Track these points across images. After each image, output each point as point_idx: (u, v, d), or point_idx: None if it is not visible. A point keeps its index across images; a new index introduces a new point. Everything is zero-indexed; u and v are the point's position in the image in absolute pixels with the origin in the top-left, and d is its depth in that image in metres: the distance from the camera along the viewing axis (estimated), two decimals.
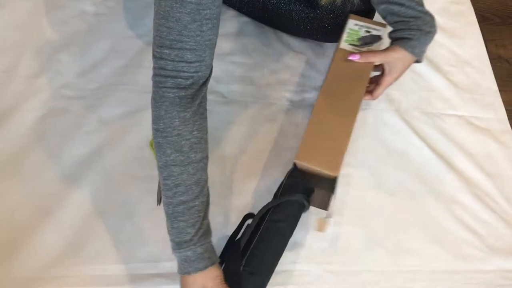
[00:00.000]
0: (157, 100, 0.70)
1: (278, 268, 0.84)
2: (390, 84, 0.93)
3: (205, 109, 0.75)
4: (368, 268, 0.89)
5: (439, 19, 1.22)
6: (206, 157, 0.74)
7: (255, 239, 0.77)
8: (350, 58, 0.89)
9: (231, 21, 1.16)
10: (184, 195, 0.70)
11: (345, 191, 0.97)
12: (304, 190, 0.81)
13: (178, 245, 0.71)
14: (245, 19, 1.16)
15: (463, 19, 1.25)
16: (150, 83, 0.99)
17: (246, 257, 0.76)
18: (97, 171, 0.93)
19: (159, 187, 0.88)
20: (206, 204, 0.74)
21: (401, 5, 0.87)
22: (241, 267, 0.75)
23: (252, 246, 0.77)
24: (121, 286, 0.82)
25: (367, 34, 0.93)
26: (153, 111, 0.71)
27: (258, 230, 0.78)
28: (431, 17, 0.88)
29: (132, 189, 0.91)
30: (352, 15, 0.97)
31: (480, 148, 1.06)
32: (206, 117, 0.75)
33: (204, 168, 0.74)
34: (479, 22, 1.25)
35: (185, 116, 0.70)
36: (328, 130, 0.82)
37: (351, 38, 0.92)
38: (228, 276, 0.74)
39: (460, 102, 1.11)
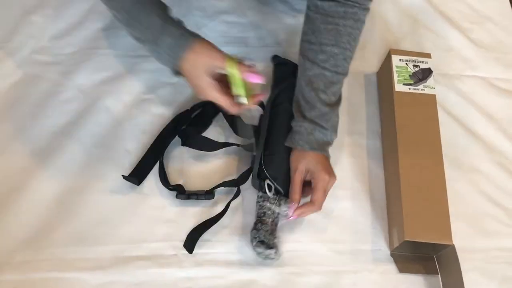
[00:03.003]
0: None
1: (284, 249, 0.79)
2: (327, 184, 0.77)
3: None
4: (378, 246, 0.81)
5: None
6: None
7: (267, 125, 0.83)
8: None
9: None
10: None
11: (353, 162, 0.89)
12: (293, 69, 0.87)
13: (153, 41, 0.72)
14: None
15: None
16: (133, 47, 0.91)
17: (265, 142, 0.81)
18: (74, 144, 0.86)
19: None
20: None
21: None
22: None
23: (268, 132, 0.82)
24: (102, 270, 0.76)
25: (417, 69, 0.89)
26: None
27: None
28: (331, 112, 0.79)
29: (112, 163, 0.85)
30: (392, 49, 0.92)
31: (504, 112, 0.97)
32: None
33: None
34: None
35: None
36: (423, 192, 0.78)
37: (403, 77, 0.88)
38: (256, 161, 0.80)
39: (481, 62, 1.03)
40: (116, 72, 0.93)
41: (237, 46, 0.98)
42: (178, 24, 0.74)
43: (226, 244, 0.79)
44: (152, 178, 0.83)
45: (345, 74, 0.79)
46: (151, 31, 0.72)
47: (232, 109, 0.73)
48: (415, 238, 0.74)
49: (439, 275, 0.77)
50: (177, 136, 0.86)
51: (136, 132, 0.87)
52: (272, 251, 0.74)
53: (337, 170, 0.85)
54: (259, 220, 0.77)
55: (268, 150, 0.81)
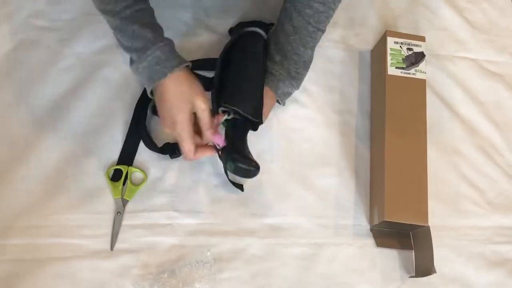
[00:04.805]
0: None
1: (267, 220, 0.82)
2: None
3: None
4: (360, 222, 0.86)
5: None
6: None
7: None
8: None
9: None
10: (126, 0, 0.69)
11: (341, 140, 0.91)
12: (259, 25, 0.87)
13: (142, 50, 0.69)
14: None
15: None
16: None
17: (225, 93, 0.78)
18: (72, 113, 0.86)
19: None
20: (153, 14, 0.74)
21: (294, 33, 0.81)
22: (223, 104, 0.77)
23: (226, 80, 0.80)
24: (102, 238, 0.79)
25: (410, 52, 0.89)
26: None
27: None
28: (304, 69, 0.84)
29: (111, 133, 0.85)
30: (388, 31, 0.92)
31: (490, 95, 0.99)
32: None
33: None
34: None
35: None
36: (405, 174, 0.82)
37: (396, 60, 0.89)
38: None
39: (475, 44, 1.03)
40: (114, 41, 0.86)
41: (236, 17, 0.96)
42: (168, 40, 0.73)
43: (217, 215, 0.82)
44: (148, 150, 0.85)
45: (324, 31, 0.83)
46: (142, 41, 0.70)
47: (190, 157, 0.73)
48: (394, 219, 0.79)
49: (413, 251, 0.84)
50: None
51: (134, 103, 0.87)
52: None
53: (325, 147, 0.90)
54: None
55: (230, 99, 0.78)
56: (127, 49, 0.73)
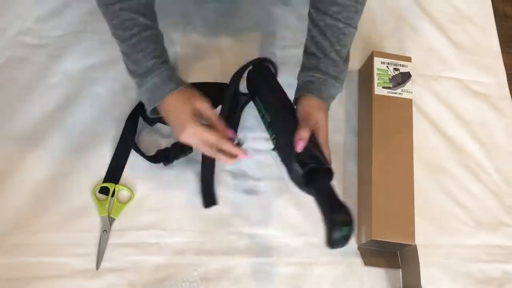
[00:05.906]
0: None
1: (255, 239, 0.83)
2: (327, 136, 0.77)
3: None
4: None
5: None
6: None
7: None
8: None
9: None
10: (133, 29, 0.71)
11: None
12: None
13: (143, 76, 0.72)
14: None
15: None
16: None
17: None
18: (61, 130, 0.86)
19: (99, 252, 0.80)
20: (161, 38, 0.75)
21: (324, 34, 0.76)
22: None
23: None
24: (87, 257, 0.78)
25: (397, 72, 0.91)
26: None
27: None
28: (344, 65, 0.78)
29: (99, 150, 0.85)
30: (375, 51, 0.93)
31: (476, 115, 1.01)
32: None
33: (148, 5, 0.73)
34: None
35: None
36: (392, 193, 0.83)
37: (382, 80, 0.90)
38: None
39: (459, 64, 1.05)
40: (103, 58, 0.91)
41: (223, 37, 0.98)
42: (170, 68, 0.74)
43: (205, 234, 0.82)
44: (138, 168, 0.85)
45: (356, 28, 0.78)
46: (144, 67, 0.72)
47: (219, 143, 0.72)
48: (381, 238, 0.79)
49: (400, 270, 0.84)
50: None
51: (123, 120, 0.86)
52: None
53: None
54: None
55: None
56: (131, 73, 0.75)
